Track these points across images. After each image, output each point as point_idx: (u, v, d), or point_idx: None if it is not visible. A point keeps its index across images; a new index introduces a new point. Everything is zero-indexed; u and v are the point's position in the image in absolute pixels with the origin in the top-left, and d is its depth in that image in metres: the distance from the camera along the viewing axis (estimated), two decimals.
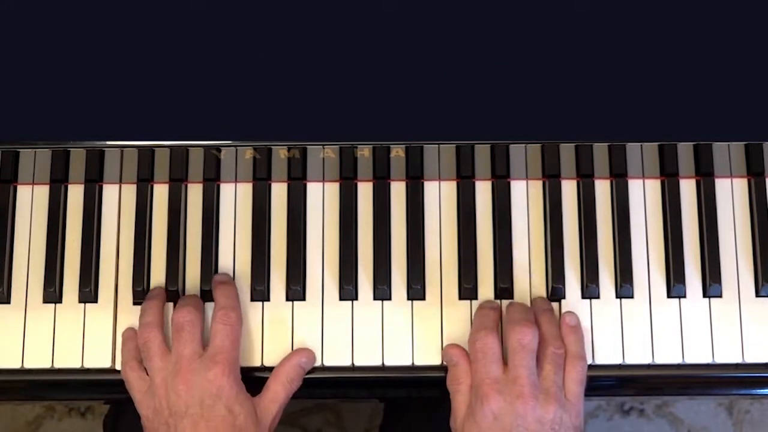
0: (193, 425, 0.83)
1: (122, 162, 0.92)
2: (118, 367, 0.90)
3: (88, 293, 0.91)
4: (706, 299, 0.91)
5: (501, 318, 0.90)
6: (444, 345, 0.90)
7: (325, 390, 0.92)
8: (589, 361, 0.89)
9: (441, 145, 0.90)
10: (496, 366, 0.85)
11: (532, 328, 0.86)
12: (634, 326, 0.91)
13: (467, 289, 0.91)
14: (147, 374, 0.87)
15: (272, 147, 0.89)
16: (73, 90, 0.80)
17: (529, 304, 0.91)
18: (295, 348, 0.90)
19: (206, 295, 0.91)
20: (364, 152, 0.91)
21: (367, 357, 0.90)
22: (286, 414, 0.89)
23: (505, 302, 0.91)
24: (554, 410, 0.84)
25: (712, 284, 0.90)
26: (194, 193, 0.93)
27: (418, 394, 0.94)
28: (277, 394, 0.88)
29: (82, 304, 0.91)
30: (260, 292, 0.91)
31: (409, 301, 0.91)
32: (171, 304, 0.91)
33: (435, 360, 0.90)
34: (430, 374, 0.91)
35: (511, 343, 0.86)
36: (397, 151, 0.91)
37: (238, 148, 0.88)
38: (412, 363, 0.90)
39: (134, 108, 0.80)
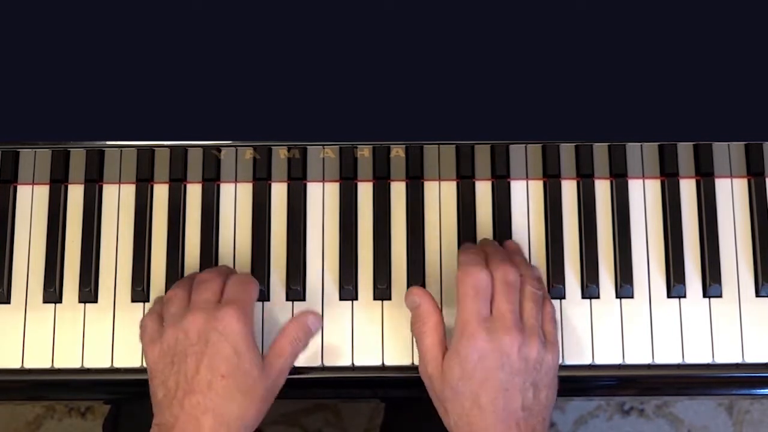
0: (196, 362, 0.81)
1: (122, 162, 0.92)
2: (117, 365, 0.90)
3: (88, 293, 0.91)
4: (706, 299, 0.91)
5: None
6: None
7: (325, 390, 0.92)
8: (589, 361, 0.90)
9: (441, 145, 0.90)
10: (485, 305, 0.83)
11: (516, 267, 0.86)
12: (634, 326, 0.91)
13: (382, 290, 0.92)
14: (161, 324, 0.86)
15: (272, 147, 0.89)
16: (73, 90, 0.80)
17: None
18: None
19: None
20: (364, 152, 0.91)
21: (367, 357, 0.90)
22: (286, 414, 0.89)
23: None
24: (537, 348, 0.83)
25: (712, 284, 0.90)
26: (194, 193, 0.93)
27: (419, 394, 0.93)
28: (282, 349, 0.87)
29: (82, 304, 0.91)
30: (260, 292, 0.91)
31: None
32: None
33: None
34: None
35: (497, 281, 0.84)
36: (397, 151, 0.91)
37: (238, 148, 0.88)
38: (412, 363, 0.90)
39: (134, 108, 0.80)
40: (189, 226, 0.93)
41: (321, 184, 0.93)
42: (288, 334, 0.88)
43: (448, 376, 0.82)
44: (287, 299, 0.91)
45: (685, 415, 1.66)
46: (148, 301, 0.92)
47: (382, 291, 0.91)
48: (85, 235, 0.92)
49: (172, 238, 0.92)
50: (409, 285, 0.91)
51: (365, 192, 0.93)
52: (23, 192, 0.94)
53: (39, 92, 0.80)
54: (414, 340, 0.89)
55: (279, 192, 0.93)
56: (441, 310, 0.87)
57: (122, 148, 0.88)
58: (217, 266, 0.91)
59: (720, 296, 0.91)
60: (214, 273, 0.88)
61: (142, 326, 0.87)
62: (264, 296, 0.91)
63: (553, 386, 0.84)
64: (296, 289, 0.91)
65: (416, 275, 0.91)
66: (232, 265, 0.92)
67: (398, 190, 0.93)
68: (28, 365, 0.90)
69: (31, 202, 0.93)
